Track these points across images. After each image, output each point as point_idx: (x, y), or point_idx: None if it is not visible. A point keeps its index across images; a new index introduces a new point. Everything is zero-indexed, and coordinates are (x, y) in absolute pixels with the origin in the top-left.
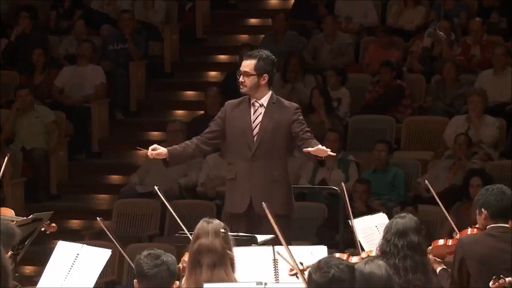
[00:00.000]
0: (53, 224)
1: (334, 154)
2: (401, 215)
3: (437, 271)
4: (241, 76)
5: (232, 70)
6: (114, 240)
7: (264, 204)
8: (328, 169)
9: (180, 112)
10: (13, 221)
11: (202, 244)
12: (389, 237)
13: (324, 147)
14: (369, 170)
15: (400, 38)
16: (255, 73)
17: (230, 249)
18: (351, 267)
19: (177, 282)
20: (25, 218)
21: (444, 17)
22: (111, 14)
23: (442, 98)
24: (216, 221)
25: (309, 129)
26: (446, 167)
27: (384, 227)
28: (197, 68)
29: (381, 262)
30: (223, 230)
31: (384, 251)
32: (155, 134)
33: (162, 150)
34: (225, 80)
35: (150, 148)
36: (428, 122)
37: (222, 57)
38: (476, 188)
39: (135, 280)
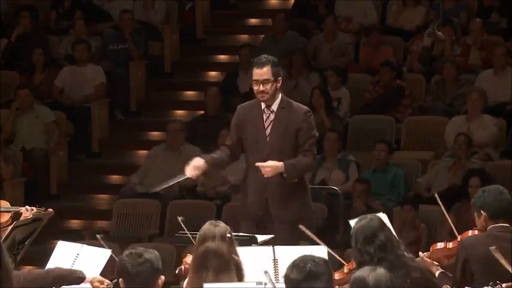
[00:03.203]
0: (50, 209)
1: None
2: (363, 217)
3: (436, 275)
4: (260, 85)
5: (232, 70)
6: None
7: (301, 227)
8: (328, 169)
9: (180, 112)
10: (9, 211)
11: (208, 248)
12: (361, 246)
13: (262, 164)
14: (368, 170)
15: (393, 36)
16: (273, 79)
17: (236, 254)
18: (327, 261)
19: (162, 277)
20: (26, 218)
21: (443, 17)
22: (111, 12)
23: (442, 98)
24: (222, 224)
25: (311, 141)
26: (446, 167)
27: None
28: (197, 68)
29: (383, 270)
30: (229, 235)
31: (359, 261)
32: (155, 134)
33: (199, 164)
34: (225, 80)
35: (189, 173)
36: (428, 122)
37: (222, 57)
38: (475, 188)
39: (120, 279)
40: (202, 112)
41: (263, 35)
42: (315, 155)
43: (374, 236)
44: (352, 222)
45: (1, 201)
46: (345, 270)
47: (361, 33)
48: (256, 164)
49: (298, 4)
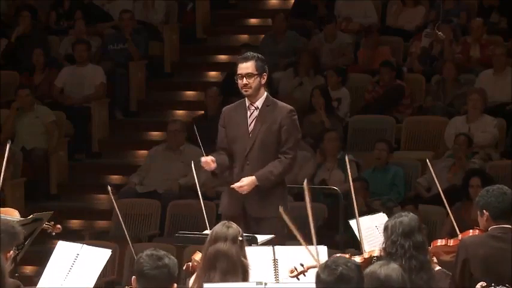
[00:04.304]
0: (58, 225)
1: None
2: (403, 214)
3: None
4: (244, 79)
5: (232, 70)
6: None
7: (280, 209)
8: (328, 169)
9: (180, 112)
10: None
11: (219, 249)
12: (396, 238)
13: (238, 186)
14: (368, 170)
15: (393, 36)
16: (257, 73)
17: (245, 257)
18: (359, 266)
19: (175, 285)
20: (26, 219)
21: (443, 17)
22: (111, 12)
23: (442, 98)
24: (235, 226)
25: (292, 141)
26: (446, 167)
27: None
28: (197, 68)
29: (395, 265)
30: (240, 238)
31: (390, 252)
32: (155, 134)
33: (209, 158)
34: (225, 80)
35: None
36: (428, 122)
37: (222, 57)
38: (476, 188)
39: (133, 277)
40: (202, 112)
41: (263, 35)
42: (294, 156)
43: (412, 233)
44: (352, 222)
45: (10, 209)
46: (366, 255)
47: (361, 33)
48: (232, 186)
49: (298, 4)
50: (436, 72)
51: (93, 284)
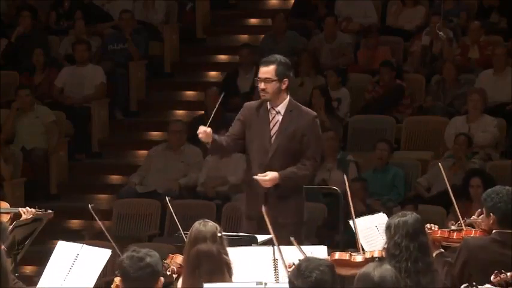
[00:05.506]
0: (49, 211)
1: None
2: (405, 213)
3: (434, 254)
4: (262, 83)
5: (232, 70)
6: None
7: (263, 209)
8: (328, 169)
9: (180, 112)
10: (8, 213)
11: (200, 250)
12: (400, 239)
13: (261, 178)
14: (368, 170)
15: (393, 36)
16: (276, 78)
17: (226, 253)
18: (331, 266)
19: (162, 279)
20: (18, 208)
21: (443, 17)
22: (111, 12)
23: (442, 98)
24: (211, 223)
25: (317, 149)
26: (446, 167)
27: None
28: (197, 68)
29: (388, 266)
30: (219, 234)
31: (394, 254)
32: (155, 134)
33: (209, 131)
34: (225, 80)
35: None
36: (428, 122)
37: (222, 57)
38: (477, 188)
39: (118, 277)
40: (202, 112)
41: (263, 35)
42: (317, 164)
43: (416, 235)
44: (352, 223)
45: (1, 202)
46: (367, 255)
47: (361, 33)
48: (254, 177)
49: (298, 4)
50: (436, 72)
51: (93, 284)
